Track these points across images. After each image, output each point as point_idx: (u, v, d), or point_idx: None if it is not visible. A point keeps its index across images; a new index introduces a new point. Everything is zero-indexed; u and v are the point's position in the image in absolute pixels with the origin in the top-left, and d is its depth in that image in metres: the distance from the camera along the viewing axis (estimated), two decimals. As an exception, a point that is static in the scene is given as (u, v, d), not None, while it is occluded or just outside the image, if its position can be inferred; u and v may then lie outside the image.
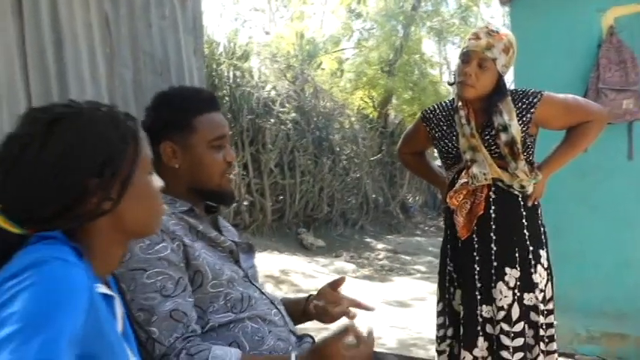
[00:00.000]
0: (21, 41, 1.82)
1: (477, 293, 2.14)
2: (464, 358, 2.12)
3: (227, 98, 7.53)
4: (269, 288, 5.26)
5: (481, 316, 2.13)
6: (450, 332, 2.24)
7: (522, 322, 2.10)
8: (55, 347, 0.76)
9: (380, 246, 8.67)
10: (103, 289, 0.93)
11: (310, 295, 1.64)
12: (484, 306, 2.13)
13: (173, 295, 1.29)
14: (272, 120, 7.82)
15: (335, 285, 1.60)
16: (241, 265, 1.51)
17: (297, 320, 1.61)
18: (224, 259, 1.45)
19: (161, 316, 1.26)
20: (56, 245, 0.87)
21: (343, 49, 11.49)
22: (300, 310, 1.61)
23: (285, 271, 5.88)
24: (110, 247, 0.98)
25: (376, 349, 1.52)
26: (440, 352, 2.28)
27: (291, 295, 1.71)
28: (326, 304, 1.54)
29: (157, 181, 1.04)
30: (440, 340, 2.28)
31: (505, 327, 2.10)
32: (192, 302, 1.33)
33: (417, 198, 11.43)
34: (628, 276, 3.31)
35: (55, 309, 0.78)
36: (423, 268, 6.86)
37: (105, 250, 0.97)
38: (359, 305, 1.56)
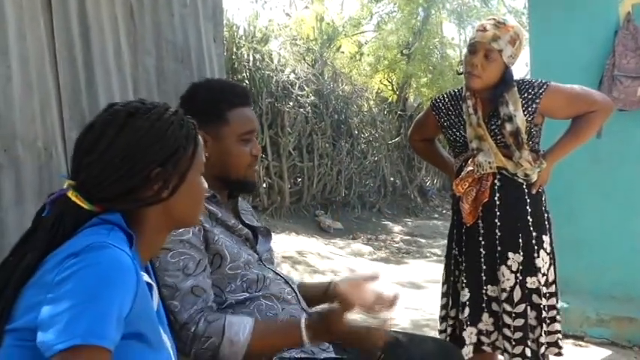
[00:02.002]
0: (50, 33, 1.91)
1: (482, 274, 2.22)
2: (471, 333, 2.21)
3: (246, 81, 7.60)
4: (286, 268, 5.38)
5: (486, 294, 2.23)
6: (452, 313, 2.33)
7: (524, 304, 2.19)
8: (103, 321, 0.87)
9: (397, 229, 8.74)
10: (145, 277, 1.04)
11: (335, 281, 1.67)
12: (489, 286, 2.23)
13: (194, 274, 1.40)
14: (291, 103, 7.88)
15: (367, 279, 1.57)
16: (257, 249, 1.60)
17: (314, 303, 1.65)
18: (241, 244, 1.55)
19: (183, 291, 1.37)
20: (113, 232, 0.99)
21: (363, 32, 11.46)
22: (320, 292, 1.66)
23: (302, 253, 5.99)
24: (156, 233, 1.11)
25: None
26: (440, 332, 2.38)
27: (310, 281, 1.75)
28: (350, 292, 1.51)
29: (204, 183, 1.17)
30: (441, 319, 2.38)
31: (507, 307, 2.20)
32: (210, 282, 1.43)
33: (435, 181, 11.44)
34: (638, 261, 3.35)
35: (105, 289, 0.90)
36: (438, 252, 6.92)
37: (152, 235, 1.09)
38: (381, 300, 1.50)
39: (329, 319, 1.36)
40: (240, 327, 1.37)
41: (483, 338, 2.23)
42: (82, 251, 0.93)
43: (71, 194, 1.02)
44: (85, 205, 1.02)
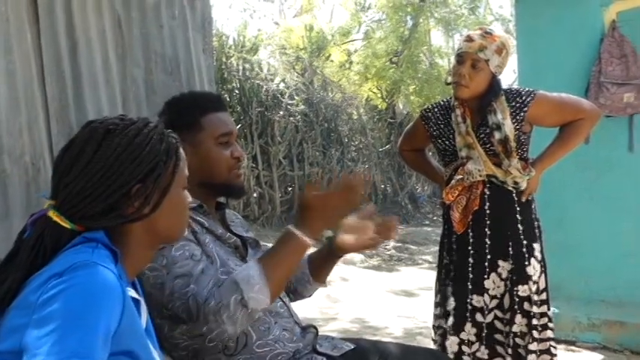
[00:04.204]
0: (37, 46, 1.90)
1: (468, 284, 2.23)
2: (452, 342, 2.22)
3: (236, 91, 7.61)
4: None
5: (471, 304, 2.23)
6: (442, 323, 2.33)
7: (511, 312, 2.20)
8: (90, 342, 0.86)
9: (388, 236, 8.72)
10: (132, 293, 1.03)
11: (329, 237, 1.74)
12: (475, 295, 2.23)
13: (202, 260, 1.40)
14: (281, 112, 7.90)
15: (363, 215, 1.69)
16: (247, 261, 1.59)
17: (325, 266, 1.74)
18: (230, 254, 1.54)
19: (196, 274, 1.36)
20: (97, 249, 0.98)
21: (352, 41, 11.50)
22: (324, 254, 1.73)
23: (294, 262, 5.96)
24: (141, 249, 1.10)
25: (372, 337, 1.59)
26: (435, 341, 2.37)
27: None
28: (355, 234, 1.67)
29: (188, 197, 1.16)
30: (435, 329, 2.38)
31: (499, 314, 2.22)
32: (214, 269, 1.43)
33: (426, 188, 11.47)
34: (628, 265, 3.37)
35: (91, 309, 0.89)
36: (430, 258, 6.92)
37: (136, 251, 1.09)
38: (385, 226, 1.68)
39: (302, 201, 1.43)
40: (247, 270, 1.36)
41: (464, 348, 2.24)
42: (67, 271, 0.92)
43: (52, 214, 1.01)
44: (66, 225, 1.01)
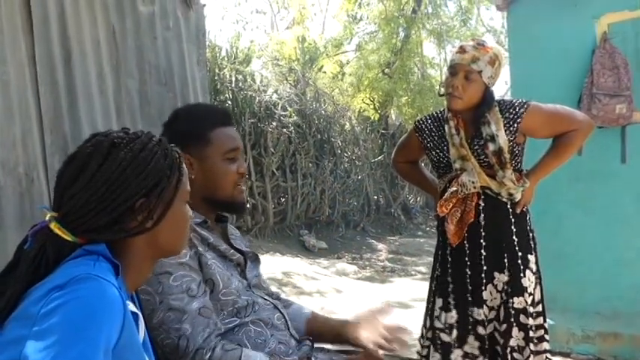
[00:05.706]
0: (32, 57, 1.90)
1: (468, 295, 2.22)
2: (457, 355, 2.20)
3: (229, 102, 7.61)
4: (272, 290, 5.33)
5: (472, 317, 2.22)
6: (429, 334, 2.32)
7: (506, 324, 2.19)
8: (91, 356, 0.85)
9: (381, 247, 8.73)
10: (131, 306, 1.02)
11: (347, 321, 1.65)
12: (475, 308, 2.22)
13: (198, 296, 1.38)
14: (274, 123, 7.89)
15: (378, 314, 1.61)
16: (246, 275, 1.58)
17: (325, 340, 1.66)
18: (232, 270, 1.53)
19: (192, 314, 1.35)
20: (98, 262, 0.97)
21: (344, 52, 11.56)
22: (333, 331, 1.64)
23: (288, 274, 5.95)
24: (142, 262, 1.10)
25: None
26: (420, 353, 2.36)
27: (324, 314, 1.75)
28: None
29: (190, 212, 1.16)
30: (423, 340, 2.36)
31: (497, 326, 2.20)
32: (211, 303, 1.41)
33: (419, 199, 11.49)
34: (622, 277, 3.38)
35: (92, 322, 0.88)
36: (424, 269, 6.92)
37: (138, 264, 1.08)
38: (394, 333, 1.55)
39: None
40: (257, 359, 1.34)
41: None
42: (68, 283, 0.91)
43: (53, 226, 1.01)
44: (67, 237, 1.00)
